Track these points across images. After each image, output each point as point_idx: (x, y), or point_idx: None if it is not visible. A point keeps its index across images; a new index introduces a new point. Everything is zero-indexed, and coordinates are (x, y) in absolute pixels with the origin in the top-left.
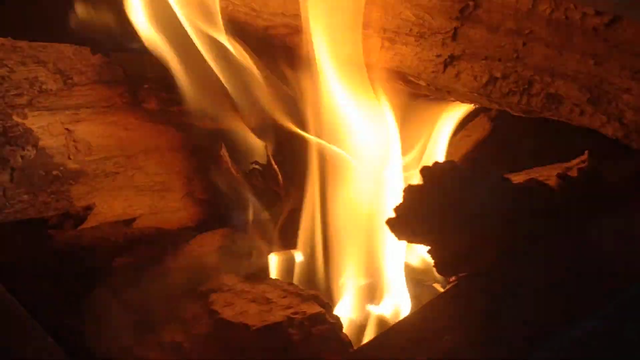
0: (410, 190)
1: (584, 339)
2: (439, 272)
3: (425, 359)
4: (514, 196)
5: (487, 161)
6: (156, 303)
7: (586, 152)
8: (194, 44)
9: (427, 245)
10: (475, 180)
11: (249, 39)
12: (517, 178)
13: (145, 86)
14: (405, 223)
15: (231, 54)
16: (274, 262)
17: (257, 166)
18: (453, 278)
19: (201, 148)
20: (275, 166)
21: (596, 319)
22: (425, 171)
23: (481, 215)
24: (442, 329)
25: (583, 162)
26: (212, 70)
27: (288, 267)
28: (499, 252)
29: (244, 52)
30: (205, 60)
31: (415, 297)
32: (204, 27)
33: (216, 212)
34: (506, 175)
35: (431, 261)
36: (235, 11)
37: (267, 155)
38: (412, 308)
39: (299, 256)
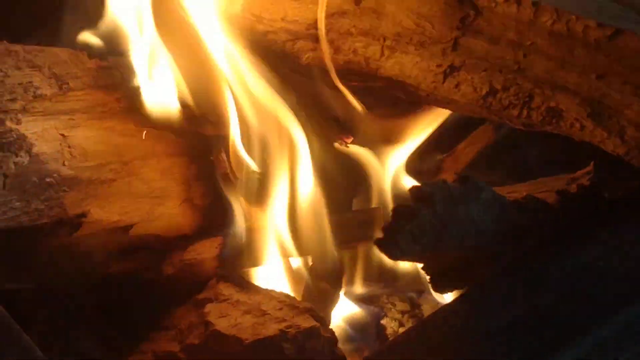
0: (399, 211)
1: None
2: (434, 288)
3: None
4: (510, 213)
5: (493, 170)
6: (152, 311)
7: (592, 163)
8: (196, 48)
9: (419, 262)
10: (467, 198)
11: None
12: (518, 190)
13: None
14: (394, 243)
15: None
16: (273, 270)
17: (256, 173)
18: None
19: (201, 154)
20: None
21: (594, 340)
22: (414, 191)
23: (475, 233)
24: (435, 349)
25: (589, 173)
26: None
27: (287, 275)
28: (493, 269)
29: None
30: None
31: (418, 307)
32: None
33: (214, 220)
34: (507, 188)
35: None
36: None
37: (267, 162)
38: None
39: (297, 262)
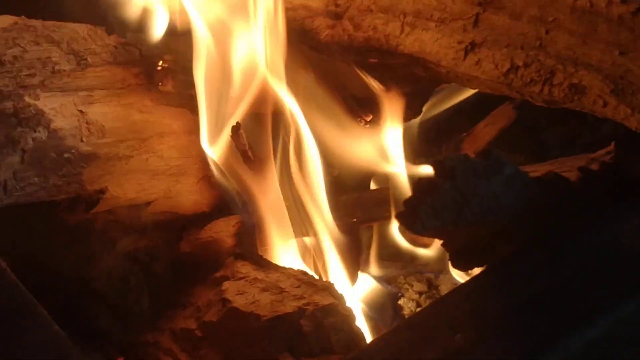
0: (420, 184)
1: (599, 341)
2: (453, 265)
3: (433, 357)
4: (531, 189)
5: (513, 152)
6: (170, 289)
7: (613, 143)
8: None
9: (440, 239)
10: (489, 172)
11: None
12: (539, 170)
13: (162, 68)
14: (415, 217)
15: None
16: (290, 248)
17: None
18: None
19: None
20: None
21: (613, 320)
22: (436, 165)
23: (496, 209)
24: (453, 327)
25: (609, 152)
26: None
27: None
28: (514, 246)
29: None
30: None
31: (435, 287)
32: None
33: (232, 198)
34: (527, 168)
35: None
36: None
37: (286, 142)
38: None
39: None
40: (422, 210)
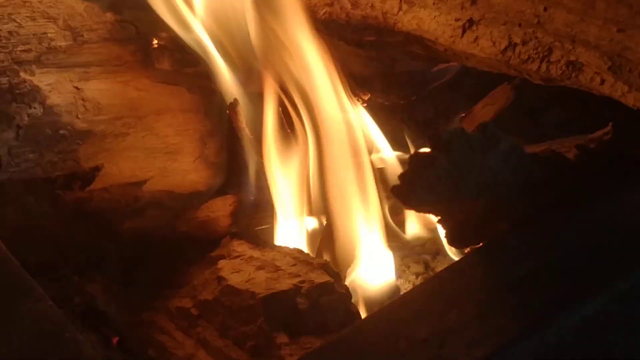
0: (416, 158)
1: (595, 316)
2: (449, 243)
3: (426, 333)
4: (528, 165)
5: (511, 132)
6: (166, 268)
7: (610, 124)
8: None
9: (435, 215)
10: (486, 147)
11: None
12: (536, 149)
13: (158, 45)
14: (411, 191)
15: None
16: (286, 229)
17: None
18: (467, 249)
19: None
20: (289, 131)
21: (608, 296)
22: (433, 138)
23: (492, 185)
24: (448, 303)
25: (606, 134)
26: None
27: (301, 234)
28: (510, 223)
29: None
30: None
31: (432, 269)
32: None
33: (228, 177)
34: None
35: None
36: None
37: (281, 119)
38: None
39: (310, 222)
40: (418, 184)
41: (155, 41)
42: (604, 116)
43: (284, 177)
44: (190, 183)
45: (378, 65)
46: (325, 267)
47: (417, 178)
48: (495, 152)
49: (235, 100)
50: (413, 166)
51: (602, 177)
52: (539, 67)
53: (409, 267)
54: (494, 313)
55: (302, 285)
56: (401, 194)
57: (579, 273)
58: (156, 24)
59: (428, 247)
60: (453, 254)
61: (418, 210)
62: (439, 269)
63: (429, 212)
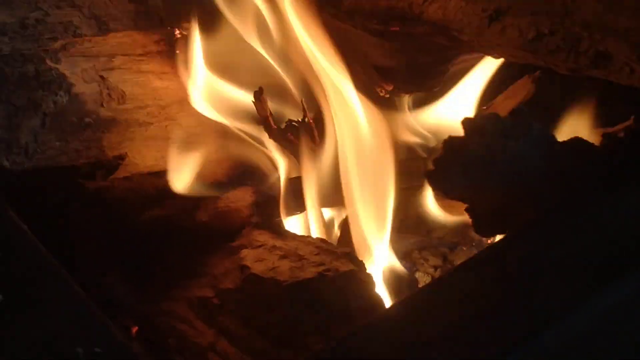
0: (450, 142)
1: (618, 306)
2: (476, 231)
3: (435, 332)
4: (557, 153)
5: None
6: (185, 258)
7: (632, 117)
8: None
9: (465, 202)
10: (518, 134)
11: None
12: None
13: (181, 35)
14: (444, 176)
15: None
16: (309, 219)
17: (292, 122)
18: (490, 239)
19: None
20: (312, 122)
21: (632, 286)
22: (466, 122)
23: (523, 171)
24: (473, 292)
25: (628, 127)
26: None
27: (323, 224)
28: (537, 211)
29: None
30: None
31: (450, 262)
32: None
33: (249, 168)
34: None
35: (468, 221)
36: None
37: (304, 111)
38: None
39: (333, 213)
40: (452, 169)
41: (178, 31)
42: (621, 112)
43: (305, 169)
44: (212, 173)
45: (401, 56)
46: (349, 256)
47: (450, 162)
48: (526, 138)
49: (260, 88)
50: (447, 150)
51: (629, 166)
52: (567, 57)
53: (427, 260)
54: (523, 301)
55: (326, 273)
56: (435, 178)
57: (608, 261)
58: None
59: (446, 240)
60: (474, 245)
61: (449, 196)
62: (457, 262)
63: (459, 198)
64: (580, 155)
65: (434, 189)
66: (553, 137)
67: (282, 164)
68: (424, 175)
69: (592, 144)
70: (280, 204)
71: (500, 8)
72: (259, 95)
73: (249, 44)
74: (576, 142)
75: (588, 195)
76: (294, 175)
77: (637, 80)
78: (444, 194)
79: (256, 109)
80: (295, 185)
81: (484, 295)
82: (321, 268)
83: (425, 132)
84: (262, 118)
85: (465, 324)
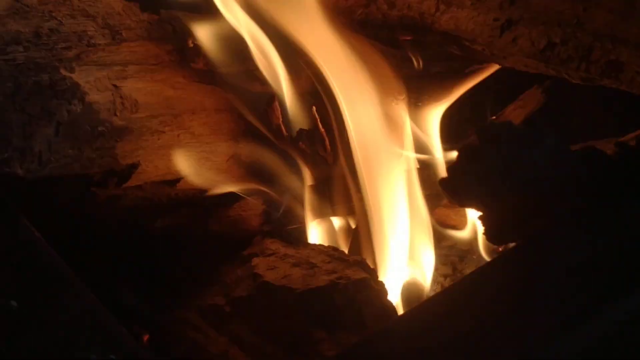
0: (465, 150)
1: (624, 320)
2: (488, 239)
3: (467, 327)
4: (571, 162)
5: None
6: (197, 266)
7: None
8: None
9: (478, 209)
10: (532, 142)
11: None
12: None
13: (194, 45)
14: (459, 184)
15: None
16: (320, 228)
17: (304, 130)
18: (501, 247)
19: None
20: (323, 130)
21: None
22: (481, 131)
23: (537, 180)
24: (488, 298)
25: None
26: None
27: (334, 233)
28: (551, 219)
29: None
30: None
31: (459, 271)
32: None
33: (261, 177)
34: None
35: (480, 230)
36: None
37: (315, 119)
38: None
39: (345, 223)
40: (466, 178)
41: (191, 41)
42: (631, 122)
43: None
44: (223, 181)
45: (413, 65)
46: (361, 264)
47: (465, 171)
48: (540, 147)
49: (272, 95)
50: (462, 159)
51: None
52: (579, 66)
53: (437, 269)
54: (536, 307)
55: (339, 281)
56: (450, 186)
57: (621, 269)
58: (192, 24)
59: (456, 249)
60: (486, 254)
61: (463, 204)
62: (466, 271)
63: (474, 206)
64: (592, 163)
65: (449, 197)
66: (566, 146)
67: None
68: (439, 183)
69: (604, 152)
70: (306, 208)
71: (512, 18)
72: (270, 103)
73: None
74: (588, 150)
75: (601, 203)
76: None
77: None
78: (458, 203)
79: (268, 116)
80: (303, 194)
81: (499, 301)
82: (333, 276)
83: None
84: (273, 125)
85: (480, 331)
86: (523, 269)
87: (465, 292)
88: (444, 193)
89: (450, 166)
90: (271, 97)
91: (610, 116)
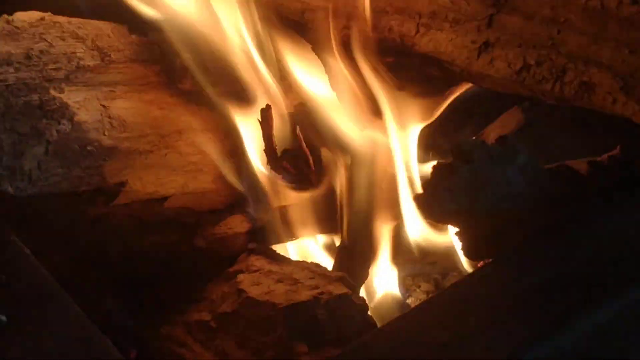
0: (439, 167)
1: (608, 323)
2: (466, 255)
3: (445, 338)
4: (544, 179)
5: None
6: (184, 283)
7: (618, 147)
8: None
9: (454, 226)
10: (504, 159)
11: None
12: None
13: (180, 66)
14: (433, 200)
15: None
16: (302, 246)
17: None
18: (480, 263)
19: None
20: (307, 150)
21: (621, 304)
22: (454, 148)
23: (509, 196)
24: (467, 310)
25: (614, 156)
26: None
27: (318, 250)
28: (524, 235)
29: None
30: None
31: (442, 288)
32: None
33: (247, 195)
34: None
35: (458, 245)
36: None
37: (299, 138)
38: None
39: (328, 240)
40: (440, 193)
41: (178, 62)
42: (609, 143)
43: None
44: (209, 201)
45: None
46: (342, 280)
47: (439, 187)
48: (513, 164)
49: (268, 105)
50: (436, 175)
51: (612, 192)
52: (553, 87)
53: (419, 286)
54: (512, 319)
55: (321, 296)
56: (424, 202)
57: (593, 282)
58: (180, 46)
59: (438, 266)
60: (466, 269)
61: (438, 220)
62: None
63: (449, 222)
64: (565, 181)
65: (423, 213)
66: (538, 164)
67: (273, 193)
68: (413, 199)
69: (577, 170)
70: (270, 231)
71: (489, 40)
72: (265, 113)
73: None
74: (561, 168)
75: (573, 219)
76: (289, 202)
77: (620, 109)
78: (432, 219)
79: (261, 127)
80: (287, 213)
81: (473, 314)
82: (316, 291)
83: None
84: (265, 136)
85: (456, 342)
86: (496, 283)
87: (442, 306)
88: (418, 209)
89: (424, 183)
90: (267, 107)
91: (590, 137)
